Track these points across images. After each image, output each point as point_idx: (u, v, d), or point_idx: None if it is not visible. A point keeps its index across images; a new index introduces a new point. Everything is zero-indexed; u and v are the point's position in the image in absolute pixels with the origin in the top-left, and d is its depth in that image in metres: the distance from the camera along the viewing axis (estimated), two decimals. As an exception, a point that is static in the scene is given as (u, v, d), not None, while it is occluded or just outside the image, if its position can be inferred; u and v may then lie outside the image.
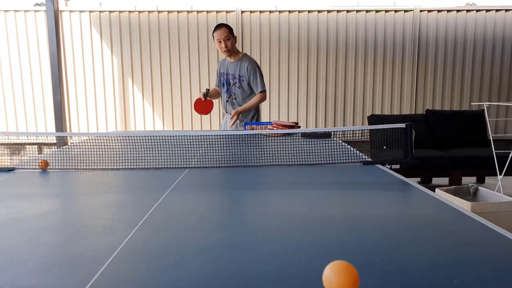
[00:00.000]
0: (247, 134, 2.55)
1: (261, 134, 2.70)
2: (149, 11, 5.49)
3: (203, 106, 3.26)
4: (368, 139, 2.73)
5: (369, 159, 1.91)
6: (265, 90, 3.33)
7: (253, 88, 3.32)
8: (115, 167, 1.81)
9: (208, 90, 3.31)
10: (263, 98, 3.32)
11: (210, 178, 1.65)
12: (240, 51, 3.42)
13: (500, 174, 3.84)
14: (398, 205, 1.25)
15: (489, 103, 4.95)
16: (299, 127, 3.02)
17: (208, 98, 3.27)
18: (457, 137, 5.01)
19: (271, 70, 5.56)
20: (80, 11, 5.50)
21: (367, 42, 5.55)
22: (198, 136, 2.47)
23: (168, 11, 5.49)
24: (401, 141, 1.76)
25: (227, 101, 3.41)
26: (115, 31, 5.53)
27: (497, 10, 5.52)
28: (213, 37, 3.26)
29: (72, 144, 2.65)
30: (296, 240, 0.91)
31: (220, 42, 3.18)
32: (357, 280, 0.60)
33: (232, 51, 3.27)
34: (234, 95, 3.36)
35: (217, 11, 5.49)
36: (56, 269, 0.77)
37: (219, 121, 5.62)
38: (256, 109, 3.41)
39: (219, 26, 3.21)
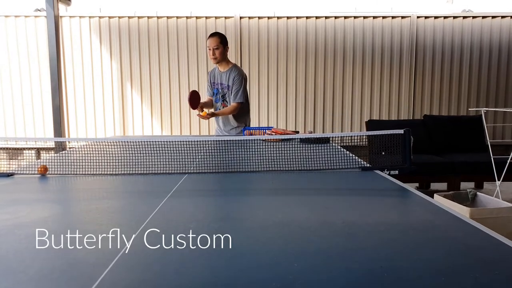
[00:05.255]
0: (246, 140, 2.55)
1: (259, 139, 2.71)
2: (148, 17, 5.51)
3: (195, 100, 3.27)
4: (366, 145, 2.73)
5: (368, 165, 1.92)
6: (243, 103, 3.34)
7: (231, 97, 3.34)
8: (114, 172, 1.81)
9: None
10: (235, 109, 3.34)
11: (209, 183, 1.65)
12: (232, 61, 3.45)
13: (499, 180, 3.85)
14: (397, 211, 1.25)
15: (487, 108, 4.97)
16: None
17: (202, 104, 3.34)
18: (455, 142, 5.02)
19: (269, 75, 5.58)
20: (80, 17, 5.51)
21: (365, 48, 5.58)
22: (196, 141, 2.47)
23: (168, 17, 5.52)
24: (400, 147, 1.77)
25: (219, 110, 3.48)
26: (115, 37, 5.54)
27: (493, 17, 5.56)
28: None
29: (70, 149, 2.64)
30: (295, 246, 0.91)
31: (210, 50, 3.29)
32: None
33: (220, 60, 3.31)
34: (226, 103, 3.43)
35: (216, 17, 5.52)
36: (56, 275, 0.77)
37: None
38: (244, 123, 3.44)
39: (212, 35, 3.32)
